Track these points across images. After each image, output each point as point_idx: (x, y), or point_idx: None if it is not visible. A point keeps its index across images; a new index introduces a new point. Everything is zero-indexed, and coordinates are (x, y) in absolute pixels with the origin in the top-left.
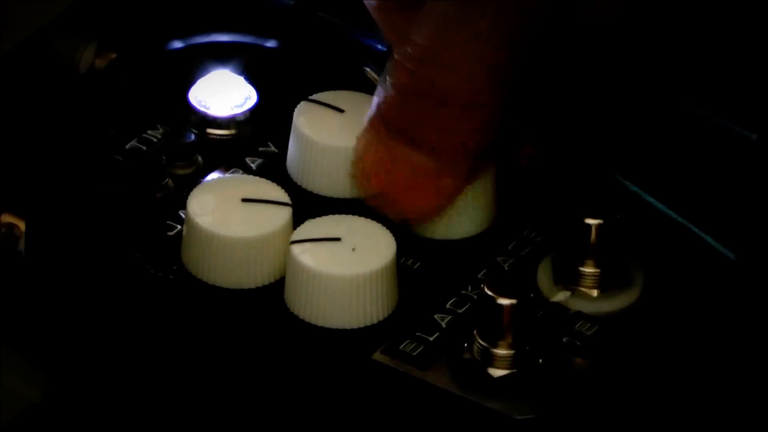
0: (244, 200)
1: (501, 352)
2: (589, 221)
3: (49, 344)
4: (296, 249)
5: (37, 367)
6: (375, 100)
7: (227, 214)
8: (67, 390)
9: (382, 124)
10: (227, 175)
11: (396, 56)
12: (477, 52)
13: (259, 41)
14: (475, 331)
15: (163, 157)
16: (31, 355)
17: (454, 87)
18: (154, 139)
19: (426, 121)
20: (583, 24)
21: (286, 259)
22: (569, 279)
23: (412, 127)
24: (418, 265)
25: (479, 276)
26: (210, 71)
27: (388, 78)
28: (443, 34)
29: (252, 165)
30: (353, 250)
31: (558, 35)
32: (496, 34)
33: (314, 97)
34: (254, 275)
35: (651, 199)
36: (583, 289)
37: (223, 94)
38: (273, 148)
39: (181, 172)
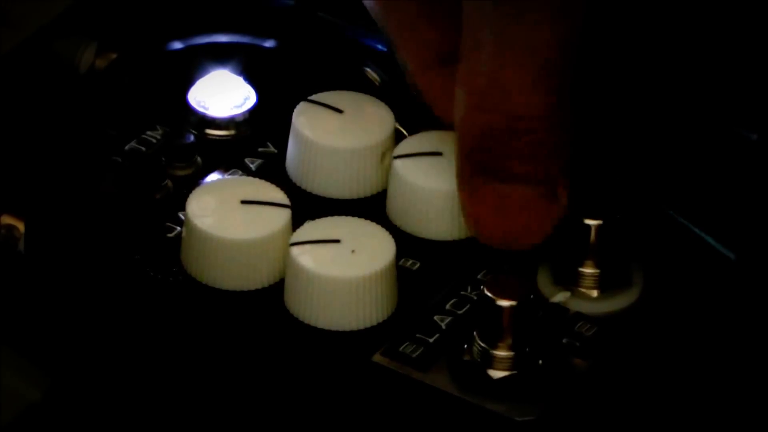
0: (244, 202)
1: (501, 353)
2: (589, 222)
3: (49, 344)
4: (296, 251)
5: (37, 367)
6: (458, 147)
7: (227, 216)
8: (67, 390)
9: (473, 168)
10: (226, 176)
11: (462, 97)
12: (536, 69)
13: (258, 41)
14: (474, 333)
15: (163, 158)
16: (31, 355)
17: (528, 112)
18: (154, 140)
19: (514, 154)
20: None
21: (286, 260)
22: (569, 280)
23: (502, 163)
24: (418, 267)
25: (479, 277)
26: (209, 72)
27: (461, 123)
28: (500, 61)
29: (251, 166)
30: (353, 251)
31: None
32: (552, 47)
33: (313, 97)
34: (254, 277)
35: (652, 200)
36: (582, 290)
37: (222, 94)
38: (272, 149)
39: (180, 173)
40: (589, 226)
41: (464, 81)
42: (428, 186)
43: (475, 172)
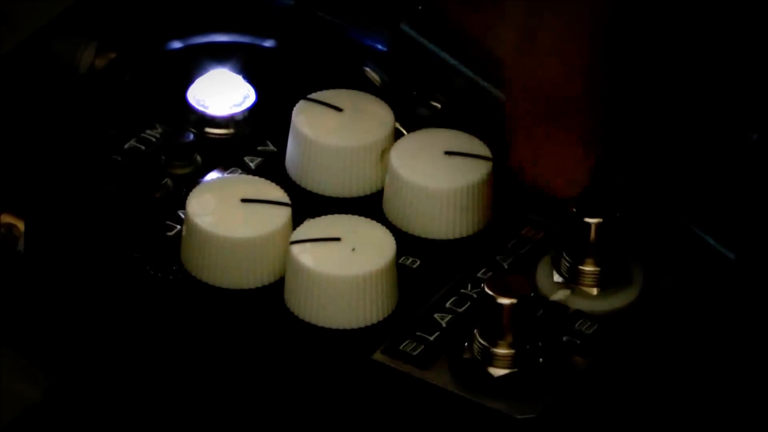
0: (244, 200)
1: (501, 351)
2: (589, 220)
3: (49, 344)
4: (296, 249)
5: (37, 367)
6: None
7: (227, 215)
8: (67, 390)
9: (527, 112)
10: (226, 174)
11: (512, 80)
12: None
13: (257, 41)
14: (475, 331)
15: (162, 157)
16: (31, 355)
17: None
18: (153, 139)
19: (562, 101)
20: None
21: (286, 259)
22: (569, 278)
23: (552, 108)
24: (418, 265)
25: (479, 275)
26: (208, 71)
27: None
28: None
29: (251, 164)
30: (353, 249)
31: None
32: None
33: (313, 96)
34: (254, 275)
35: (652, 200)
36: (582, 288)
37: (221, 93)
38: (272, 147)
39: (180, 171)
40: (589, 224)
41: (514, 68)
42: (426, 185)
43: (528, 114)
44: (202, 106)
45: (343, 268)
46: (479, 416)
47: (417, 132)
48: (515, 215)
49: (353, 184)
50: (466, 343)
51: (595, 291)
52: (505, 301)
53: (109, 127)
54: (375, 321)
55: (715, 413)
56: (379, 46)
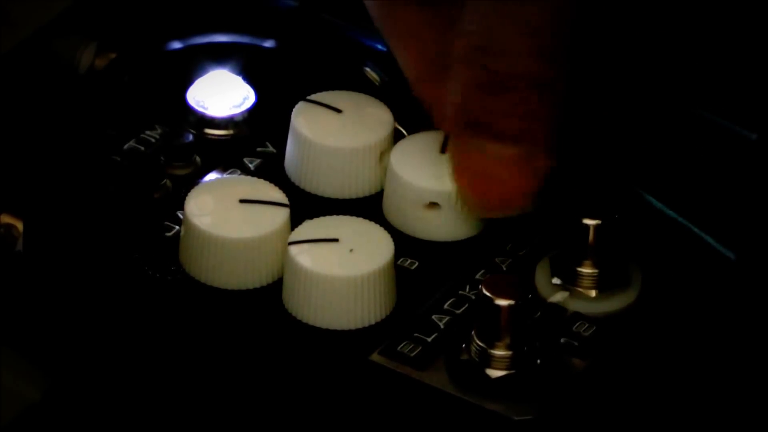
0: (242, 201)
1: (499, 352)
2: (587, 222)
3: (49, 344)
4: (294, 250)
5: (37, 367)
6: (449, 107)
7: (225, 215)
8: (67, 390)
9: (459, 125)
10: (225, 175)
11: (455, 54)
12: (531, 28)
13: (257, 41)
14: (473, 332)
15: (161, 158)
16: (31, 355)
17: (518, 69)
18: (152, 140)
19: (501, 110)
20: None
21: (284, 259)
22: (567, 279)
23: (489, 120)
24: (416, 266)
25: (477, 277)
26: (208, 71)
27: (451, 80)
28: (495, 18)
29: (250, 165)
30: (351, 251)
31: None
32: (544, 8)
33: (312, 97)
34: (252, 276)
35: (651, 199)
36: (581, 290)
37: (221, 94)
38: (271, 149)
39: (179, 172)
40: (587, 225)
41: (459, 41)
42: (426, 187)
43: (462, 127)
44: (202, 107)
45: (341, 269)
46: (477, 417)
47: (417, 134)
48: (514, 217)
49: (352, 185)
50: (463, 345)
51: (593, 293)
52: (502, 302)
53: (109, 128)
54: (373, 322)
55: (715, 413)
56: (379, 46)
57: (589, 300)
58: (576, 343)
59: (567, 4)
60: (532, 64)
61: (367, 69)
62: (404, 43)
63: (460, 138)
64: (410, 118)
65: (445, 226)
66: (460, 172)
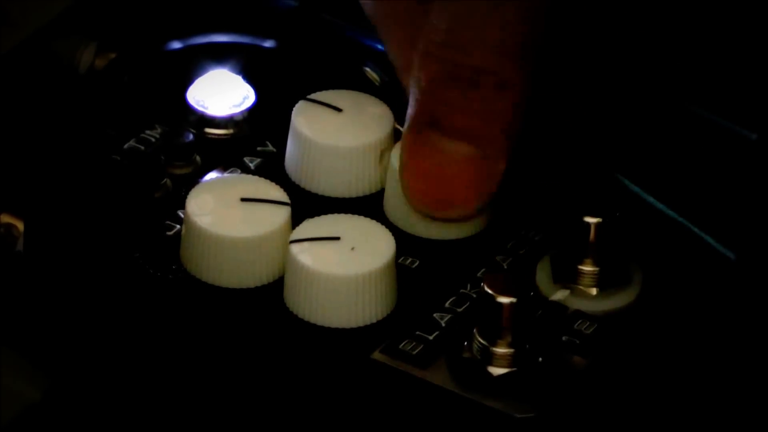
0: (243, 200)
1: (500, 350)
2: (588, 220)
3: (49, 344)
4: (295, 248)
5: (37, 367)
6: (410, 101)
7: (226, 214)
8: (67, 390)
9: (418, 119)
10: (226, 174)
11: (420, 47)
12: (498, 27)
13: (257, 41)
14: (474, 330)
15: (162, 157)
16: (31, 355)
17: (481, 66)
18: (153, 139)
19: (459, 106)
20: (587, 20)
21: (285, 258)
22: (568, 277)
23: (447, 116)
24: (417, 264)
25: (478, 275)
26: (208, 71)
27: (414, 73)
28: (463, 14)
29: (250, 164)
30: (352, 249)
31: (565, 28)
32: (516, 7)
33: (312, 96)
34: (253, 275)
35: (651, 199)
36: (582, 288)
37: (221, 93)
38: (271, 148)
39: (179, 171)
40: (588, 224)
41: (425, 36)
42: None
43: (419, 122)
44: (202, 106)
45: (342, 268)
46: (478, 415)
47: None
48: (515, 215)
49: (353, 184)
50: (465, 343)
51: (594, 291)
52: (504, 300)
53: (109, 127)
54: (374, 320)
55: (715, 413)
56: (379, 46)
57: (590, 298)
58: (577, 341)
59: (541, 3)
60: (497, 62)
61: (367, 69)
62: (392, 31)
63: (413, 130)
64: None
65: (446, 224)
66: (406, 165)
